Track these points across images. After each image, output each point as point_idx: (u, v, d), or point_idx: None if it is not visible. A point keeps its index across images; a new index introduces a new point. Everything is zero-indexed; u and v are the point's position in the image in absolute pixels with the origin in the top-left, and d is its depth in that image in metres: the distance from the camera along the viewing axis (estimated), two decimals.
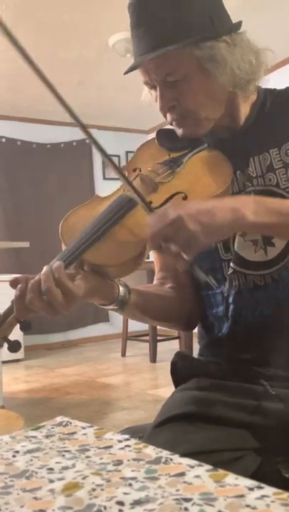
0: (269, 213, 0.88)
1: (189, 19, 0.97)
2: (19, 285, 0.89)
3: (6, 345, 0.93)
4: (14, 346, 0.92)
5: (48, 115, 5.59)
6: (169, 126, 1.10)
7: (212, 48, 0.97)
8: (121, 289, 1.00)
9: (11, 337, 0.94)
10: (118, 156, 6.29)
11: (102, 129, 5.92)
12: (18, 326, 0.94)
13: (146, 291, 1.11)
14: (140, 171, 1.07)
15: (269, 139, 1.04)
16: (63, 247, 0.99)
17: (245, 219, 0.86)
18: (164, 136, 1.11)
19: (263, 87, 1.09)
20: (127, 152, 6.34)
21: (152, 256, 1.24)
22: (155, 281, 1.21)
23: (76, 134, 5.99)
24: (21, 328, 0.93)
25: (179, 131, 1.06)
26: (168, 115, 1.04)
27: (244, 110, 1.08)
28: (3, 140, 5.70)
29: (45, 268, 0.90)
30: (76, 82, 4.86)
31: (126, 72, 1.04)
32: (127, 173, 1.09)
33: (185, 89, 1.00)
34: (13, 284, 0.91)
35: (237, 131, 1.08)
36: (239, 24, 1.01)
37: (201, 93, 1.00)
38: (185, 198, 0.99)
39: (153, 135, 1.14)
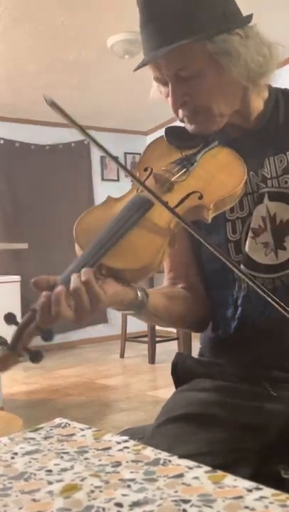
0: None
1: (201, 13, 0.96)
2: (44, 292, 0.83)
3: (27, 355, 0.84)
4: (36, 356, 0.83)
5: (47, 116, 5.59)
6: (177, 124, 1.08)
7: (225, 42, 0.96)
8: (139, 293, 0.96)
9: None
10: (116, 158, 6.29)
11: (101, 131, 5.91)
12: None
13: (162, 294, 1.08)
14: (152, 170, 1.04)
15: (286, 141, 1.03)
16: (77, 250, 0.95)
17: None
18: (173, 134, 1.09)
19: (272, 85, 1.08)
20: (126, 153, 6.34)
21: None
22: (166, 282, 1.19)
23: (74, 136, 6.00)
24: (43, 338, 0.84)
25: (191, 128, 1.04)
26: (180, 111, 1.02)
27: (257, 107, 1.06)
28: (2, 141, 5.69)
29: (68, 274, 0.86)
30: (75, 83, 4.86)
31: (137, 68, 1.01)
32: (138, 174, 1.06)
33: (198, 84, 0.98)
34: (37, 285, 0.85)
35: (250, 131, 1.06)
36: (250, 17, 1.00)
37: (214, 88, 0.99)
38: (201, 197, 0.97)
39: (153, 136, 1.13)
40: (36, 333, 0.84)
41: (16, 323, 0.84)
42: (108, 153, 0.90)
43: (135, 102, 5.25)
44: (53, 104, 0.83)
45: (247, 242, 1.03)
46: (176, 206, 0.95)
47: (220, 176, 1.01)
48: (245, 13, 1.02)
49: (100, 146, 0.89)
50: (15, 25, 3.71)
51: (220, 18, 0.96)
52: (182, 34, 0.94)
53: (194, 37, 0.94)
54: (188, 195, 0.98)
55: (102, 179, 6.29)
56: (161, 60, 0.97)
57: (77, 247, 0.96)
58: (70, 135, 5.92)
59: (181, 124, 1.07)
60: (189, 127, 1.04)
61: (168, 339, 4.83)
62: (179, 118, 1.04)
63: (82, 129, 0.86)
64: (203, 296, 1.13)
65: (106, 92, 5.09)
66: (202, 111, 1.00)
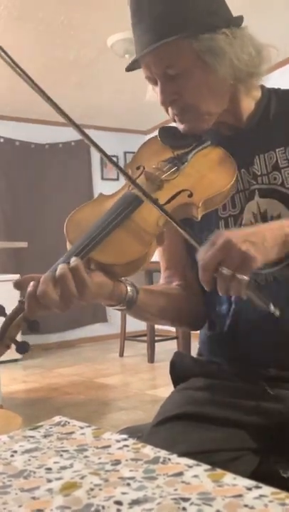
0: None
1: (188, 13, 0.98)
2: (32, 282, 0.86)
3: (13, 346, 0.89)
4: (22, 347, 0.88)
5: (47, 115, 5.58)
6: (171, 124, 1.10)
7: (210, 40, 0.97)
8: (129, 288, 0.98)
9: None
10: (117, 157, 6.30)
11: (101, 130, 5.91)
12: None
13: (154, 290, 1.10)
14: (144, 168, 1.06)
15: (275, 138, 1.04)
16: (68, 246, 0.98)
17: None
18: (167, 134, 1.11)
19: (266, 86, 1.09)
20: (125, 153, 6.34)
21: (158, 254, 1.22)
22: (162, 281, 1.20)
23: (74, 135, 5.98)
24: (29, 328, 0.89)
25: (181, 127, 1.06)
26: (169, 110, 1.04)
27: (247, 107, 1.07)
28: (2, 140, 5.69)
29: (60, 264, 0.88)
30: (74, 82, 4.85)
31: (127, 69, 1.04)
32: (130, 172, 1.08)
33: (185, 82, 1.00)
34: (19, 284, 0.88)
35: (241, 129, 1.08)
36: (240, 19, 1.01)
37: (201, 87, 1.01)
38: (190, 195, 0.99)
39: (152, 135, 1.13)
40: (23, 324, 0.88)
41: (4, 314, 0.89)
42: (91, 140, 0.93)
43: (135, 102, 5.26)
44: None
45: None
46: (166, 203, 0.97)
47: (210, 175, 1.02)
48: (243, 13, 1.02)
49: (86, 136, 0.93)
50: (15, 24, 3.71)
51: (206, 18, 0.98)
52: (169, 33, 0.96)
53: (179, 35, 0.96)
54: (177, 193, 0.99)
55: (102, 178, 6.30)
56: (150, 58, 1.00)
57: (67, 243, 0.99)
58: (70, 134, 5.92)
59: (175, 124, 1.09)
60: (180, 126, 1.06)
61: (167, 338, 4.83)
62: (170, 116, 1.06)
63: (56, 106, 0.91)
64: (198, 293, 1.14)
65: (106, 91, 5.09)
66: (190, 110, 1.02)
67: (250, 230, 0.87)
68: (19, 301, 0.88)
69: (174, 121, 1.07)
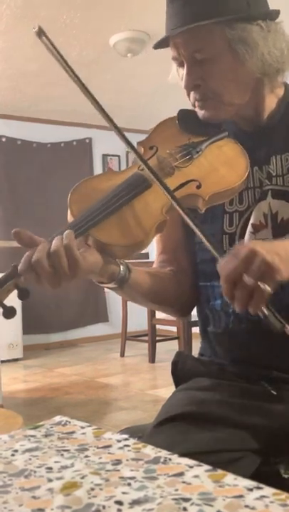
0: None
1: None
2: (29, 251, 0.88)
3: (1, 310, 0.89)
4: (9, 312, 0.88)
5: (49, 114, 5.59)
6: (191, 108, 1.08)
7: (244, 30, 0.96)
8: (121, 267, 0.98)
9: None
10: (118, 156, 6.29)
11: (103, 129, 5.90)
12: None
13: (146, 272, 1.10)
14: (157, 150, 1.06)
15: None
16: (69, 217, 0.98)
17: None
18: (186, 118, 1.09)
19: None
20: (128, 152, 6.34)
21: (154, 238, 1.22)
22: (155, 264, 1.20)
23: (76, 134, 6.00)
24: (19, 296, 0.89)
25: (201, 113, 1.04)
26: (191, 94, 1.03)
27: (270, 103, 1.06)
28: (4, 139, 5.69)
29: (56, 236, 0.89)
30: None
31: (155, 47, 1.03)
32: (143, 150, 1.07)
33: (212, 69, 0.99)
34: (19, 234, 0.90)
35: (261, 127, 1.06)
36: (277, 12, 1.00)
37: (227, 75, 0.99)
38: (199, 186, 0.98)
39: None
40: (12, 289, 0.89)
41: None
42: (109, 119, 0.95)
43: (137, 101, 5.26)
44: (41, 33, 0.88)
45: (246, 237, 1.03)
46: (174, 191, 0.96)
47: (222, 169, 1.02)
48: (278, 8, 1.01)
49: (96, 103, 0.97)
50: (17, 23, 3.71)
51: (243, 7, 0.97)
52: (203, 16, 0.95)
53: (214, 20, 0.95)
54: (186, 182, 0.99)
55: None
56: (180, 39, 0.99)
57: (68, 214, 0.99)
58: (72, 133, 5.92)
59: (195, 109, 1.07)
60: (199, 112, 1.05)
61: (168, 338, 4.83)
62: (191, 101, 1.05)
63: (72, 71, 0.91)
64: (190, 281, 1.14)
65: (108, 90, 5.09)
66: (213, 97, 1.01)
67: (275, 243, 0.86)
68: (12, 266, 0.89)
69: (194, 106, 1.05)
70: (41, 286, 0.88)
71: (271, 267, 0.78)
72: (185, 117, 1.09)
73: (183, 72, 1.01)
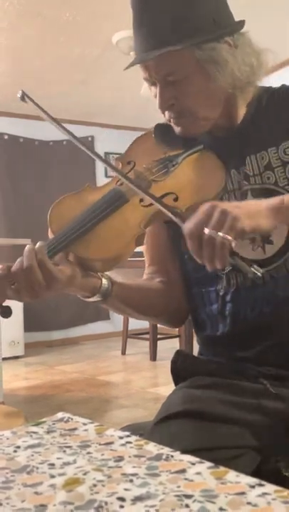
0: None
1: (192, 20, 0.97)
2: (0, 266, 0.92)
3: None
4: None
5: (51, 112, 5.58)
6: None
7: (213, 50, 0.98)
8: (104, 281, 1.01)
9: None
10: (120, 154, 6.29)
11: (105, 127, 5.91)
12: None
13: (131, 284, 1.10)
14: (134, 164, 1.08)
15: (267, 138, 1.05)
16: (50, 235, 1.01)
17: (284, 203, 0.87)
18: (162, 132, 1.11)
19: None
20: None
21: (143, 250, 1.23)
22: (144, 276, 1.21)
23: (78, 132, 5.98)
24: (2, 314, 0.93)
25: (177, 130, 1.06)
26: (166, 113, 1.05)
27: (242, 110, 1.08)
28: (6, 137, 5.69)
29: (27, 246, 0.92)
30: (79, 80, 4.85)
31: (126, 68, 1.04)
32: (121, 165, 1.10)
33: (184, 89, 1.00)
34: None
35: (233, 131, 1.08)
36: (242, 23, 1.01)
37: (200, 94, 1.01)
38: (176, 199, 1.00)
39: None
40: None
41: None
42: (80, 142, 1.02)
43: (140, 99, 5.24)
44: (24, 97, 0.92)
45: None
46: (150, 204, 0.99)
47: (198, 181, 1.03)
48: (240, 16, 1.02)
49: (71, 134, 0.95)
50: (20, 21, 3.71)
51: (210, 26, 0.98)
52: (172, 40, 0.96)
53: (183, 44, 0.96)
54: (163, 196, 1.01)
55: (106, 176, 6.29)
56: (151, 63, 1.00)
57: (49, 231, 1.02)
58: (74, 131, 5.91)
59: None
60: (176, 128, 1.07)
61: (169, 336, 4.83)
62: (166, 119, 1.07)
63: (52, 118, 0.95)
64: (180, 291, 1.15)
65: (111, 88, 5.09)
66: (187, 114, 1.03)
67: (237, 203, 0.89)
68: None
69: (170, 122, 1.07)
70: (20, 299, 0.93)
71: (230, 216, 0.81)
72: (161, 131, 1.11)
73: (156, 90, 1.03)
